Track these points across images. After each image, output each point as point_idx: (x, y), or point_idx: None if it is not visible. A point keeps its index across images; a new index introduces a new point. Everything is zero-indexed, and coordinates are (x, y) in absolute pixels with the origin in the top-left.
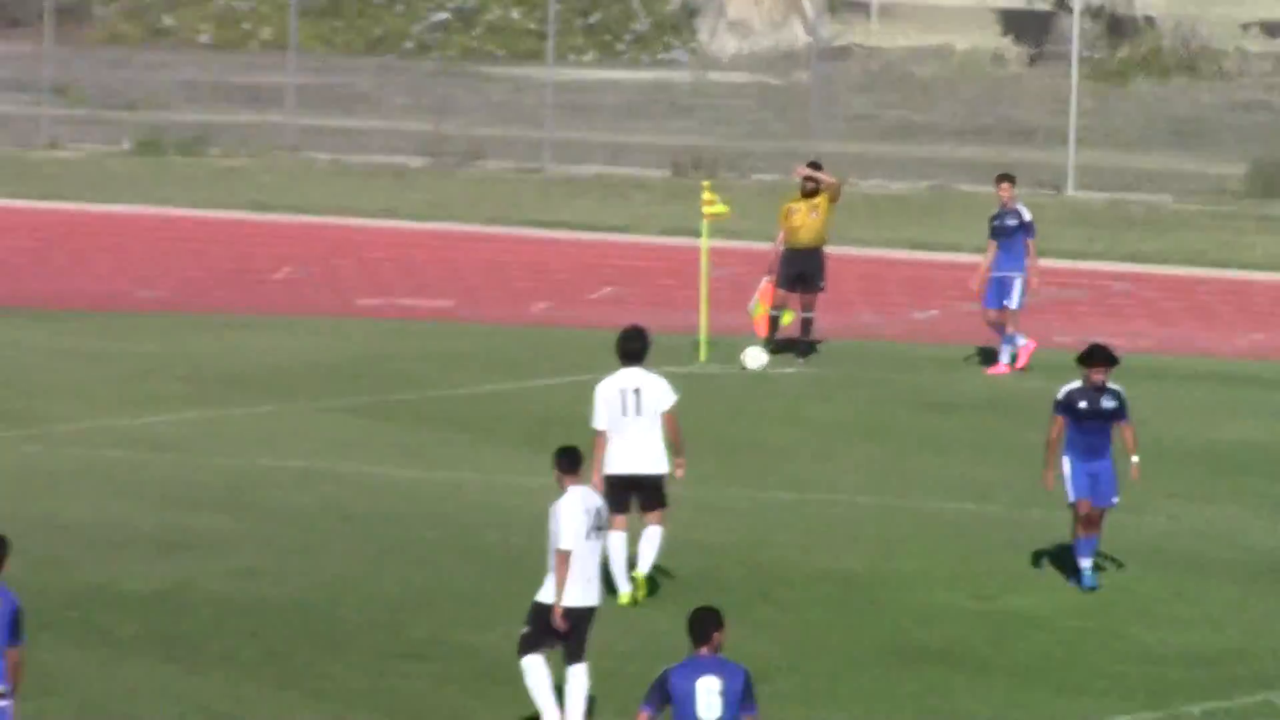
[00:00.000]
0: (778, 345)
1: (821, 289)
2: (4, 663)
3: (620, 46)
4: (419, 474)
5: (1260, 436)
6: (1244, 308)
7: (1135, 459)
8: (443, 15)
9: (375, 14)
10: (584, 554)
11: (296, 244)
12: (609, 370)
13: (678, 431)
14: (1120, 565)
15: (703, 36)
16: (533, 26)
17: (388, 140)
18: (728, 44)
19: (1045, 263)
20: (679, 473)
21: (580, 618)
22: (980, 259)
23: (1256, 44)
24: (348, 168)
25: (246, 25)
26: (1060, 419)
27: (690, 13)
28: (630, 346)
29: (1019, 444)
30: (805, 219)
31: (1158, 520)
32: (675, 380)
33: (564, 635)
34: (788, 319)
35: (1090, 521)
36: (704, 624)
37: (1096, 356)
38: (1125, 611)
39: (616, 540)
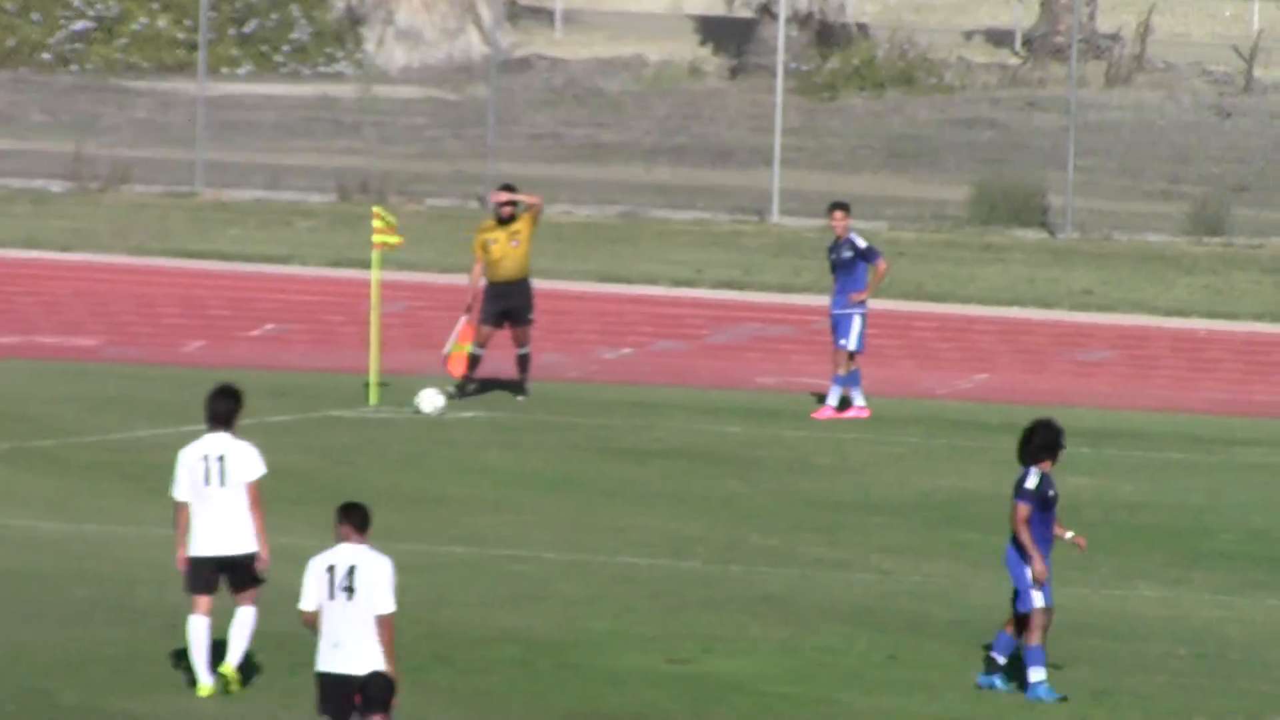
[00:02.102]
0: (480, 386)
1: (531, 321)
2: None
3: (278, 58)
4: (65, 527)
5: (981, 486)
6: (965, 346)
7: (1070, 534)
8: (84, 24)
9: (8, 23)
10: (328, 615)
11: None
12: (267, 414)
13: (259, 511)
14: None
15: (369, 47)
16: (181, 36)
17: (25, 162)
18: (396, 55)
19: (749, 296)
20: (261, 562)
21: (330, 686)
22: (808, 299)
23: (980, 54)
24: None
25: None
26: (1028, 508)
27: (354, 21)
28: (217, 408)
29: (717, 494)
30: (506, 249)
31: (869, 578)
32: (342, 425)
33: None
34: (456, 351)
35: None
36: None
37: (1062, 435)
38: (835, 676)
39: (198, 625)
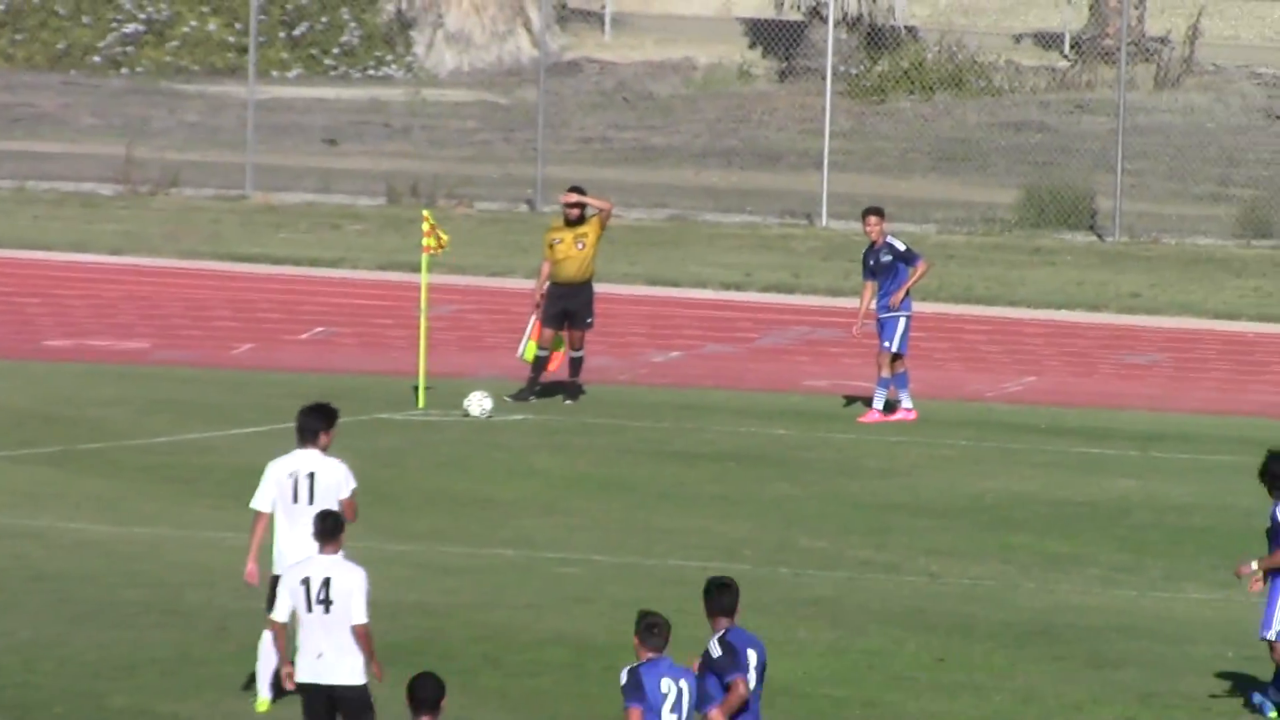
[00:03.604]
0: (542, 389)
1: (589, 325)
2: None
3: (328, 61)
4: (115, 529)
5: (1030, 488)
6: (1014, 348)
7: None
8: (134, 27)
9: (59, 25)
10: (308, 627)
11: None
12: None
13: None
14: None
15: (419, 50)
16: (232, 39)
17: (75, 165)
18: (446, 58)
19: (798, 300)
20: None
21: (315, 696)
22: (857, 302)
23: (1030, 57)
24: (32, 195)
25: None
26: None
27: (404, 24)
28: (307, 424)
29: (766, 497)
30: (570, 250)
31: (917, 580)
32: (390, 428)
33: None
34: (531, 354)
35: None
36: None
37: None
38: (883, 678)
39: (271, 641)
